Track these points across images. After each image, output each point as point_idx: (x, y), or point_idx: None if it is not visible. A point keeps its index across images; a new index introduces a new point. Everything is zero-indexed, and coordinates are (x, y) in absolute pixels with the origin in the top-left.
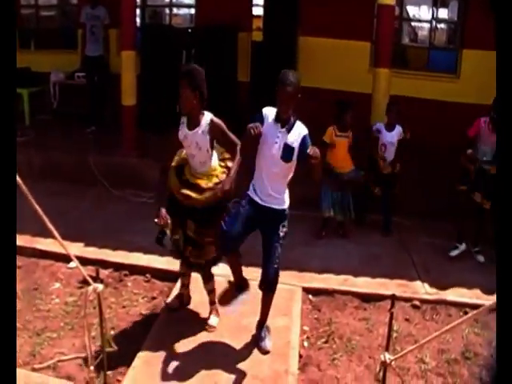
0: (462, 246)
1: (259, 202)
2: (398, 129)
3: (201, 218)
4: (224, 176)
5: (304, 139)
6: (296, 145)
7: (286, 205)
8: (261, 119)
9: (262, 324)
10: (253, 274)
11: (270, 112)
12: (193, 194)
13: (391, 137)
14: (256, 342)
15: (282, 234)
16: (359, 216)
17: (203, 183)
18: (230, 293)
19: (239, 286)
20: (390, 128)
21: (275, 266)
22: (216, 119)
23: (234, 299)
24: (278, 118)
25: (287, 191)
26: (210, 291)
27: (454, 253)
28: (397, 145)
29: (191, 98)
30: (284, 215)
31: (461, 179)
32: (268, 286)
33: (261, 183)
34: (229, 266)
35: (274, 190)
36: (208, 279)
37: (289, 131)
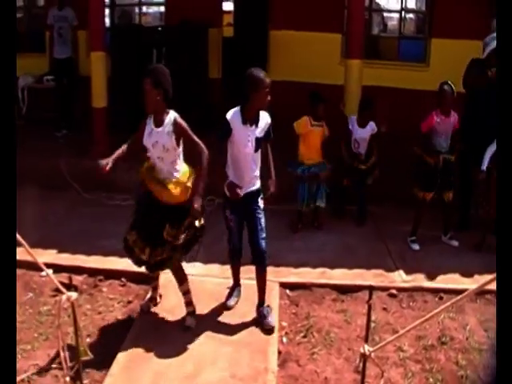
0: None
1: (241, 193)
2: (371, 125)
3: (174, 217)
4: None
5: (268, 128)
6: (263, 133)
7: (259, 181)
8: (228, 129)
9: (261, 303)
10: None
11: (234, 116)
12: (166, 189)
13: (363, 132)
14: (259, 320)
15: (261, 205)
16: (338, 209)
17: (172, 188)
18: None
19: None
20: (362, 124)
21: (263, 234)
22: (179, 119)
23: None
24: (245, 120)
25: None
26: (185, 292)
27: (416, 246)
28: (369, 139)
29: (154, 95)
30: (260, 190)
31: (417, 183)
32: (260, 259)
33: (239, 176)
34: (233, 276)
35: (250, 175)
36: (181, 280)
37: (257, 125)
